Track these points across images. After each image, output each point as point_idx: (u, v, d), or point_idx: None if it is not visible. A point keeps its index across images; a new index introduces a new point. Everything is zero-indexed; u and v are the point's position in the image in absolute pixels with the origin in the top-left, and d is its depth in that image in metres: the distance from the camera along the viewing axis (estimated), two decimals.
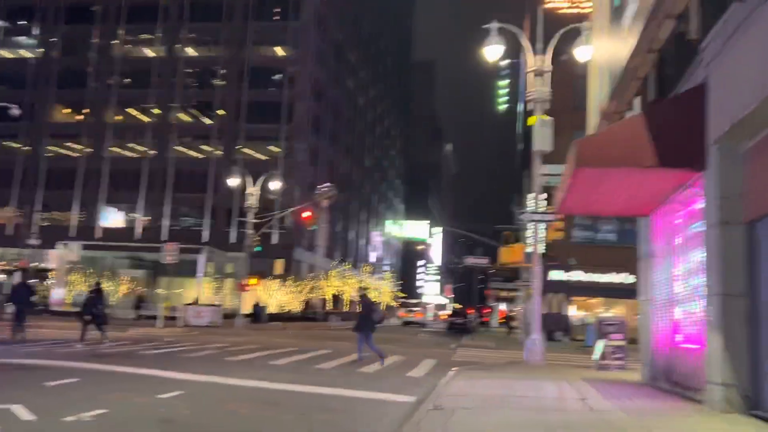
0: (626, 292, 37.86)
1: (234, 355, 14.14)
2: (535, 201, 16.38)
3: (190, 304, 35.67)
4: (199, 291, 43.91)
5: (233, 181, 35.91)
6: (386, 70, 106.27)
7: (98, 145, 65.64)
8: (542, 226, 16.72)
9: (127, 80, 67.15)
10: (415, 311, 69.08)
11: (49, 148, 66.73)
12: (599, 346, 15.26)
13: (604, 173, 8.13)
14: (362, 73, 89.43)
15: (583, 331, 34.65)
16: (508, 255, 16.11)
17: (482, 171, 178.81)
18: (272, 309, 51.53)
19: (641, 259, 11.18)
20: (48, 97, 67.17)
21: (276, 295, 52.35)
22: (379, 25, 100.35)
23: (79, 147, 66.10)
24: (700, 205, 8.52)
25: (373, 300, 16.61)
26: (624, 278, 37.58)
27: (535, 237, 16.38)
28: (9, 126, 66.29)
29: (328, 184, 62.25)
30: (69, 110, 68.79)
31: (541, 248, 16.60)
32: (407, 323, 62.60)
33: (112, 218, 64.72)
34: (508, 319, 39.14)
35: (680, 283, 9.68)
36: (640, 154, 7.64)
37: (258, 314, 41.60)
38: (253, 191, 34.87)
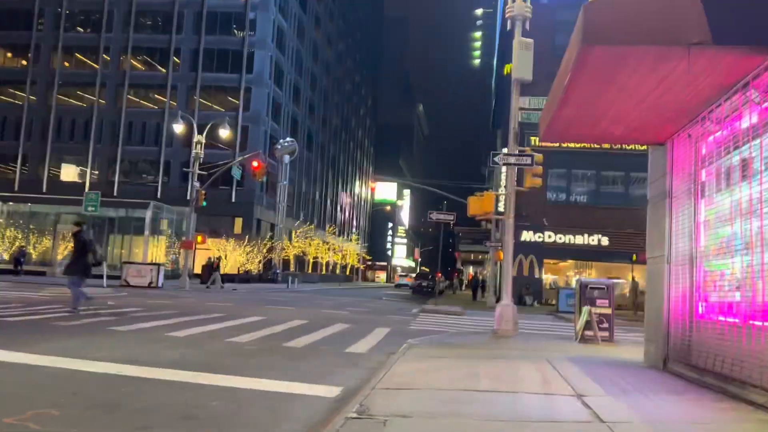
0: (599, 255, 35.93)
1: (133, 322, 11.23)
2: (512, 137, 13.62)
3: (130, 263, 32.49)
4: (145, 249, 40.68)
5: (178, 127, 32.38)
6: (356, 25, 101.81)
7: (44, 92, 61.02)
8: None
9: (77, 24, 62.28)
10: (409, 276, 73.64)
11: None
12: (583, 313, 12.73)
13: (622, 59, 5.33)
14: (330, 25, 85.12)
15: (555, 294, 32.63)
16: (477, 205, 13.37)
17: (455, 132, 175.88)
18: (228, 269, 48.53)
19: (652, 203, 8.50)
20: None
21: (232, 255, 49.33)
22: None
23: (23, 95, 61.34)
24: (750, 119, 5.84)
25: (89, 238, 13.42)
26: (597, 240, 35.56)
27: (511, 183, 13.66)
28: None
29: (289, 138, 58.98)
30: (10, 54, 63.73)
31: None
32: (399, 285, 66.07)
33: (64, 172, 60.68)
34: (475, 283, 36.68)
35: (712, 233, 7.03)
36: (685, 24, 4.84)
37: (207, 274, 38.47)
38: (199, 139, 31.52)
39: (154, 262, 34.50)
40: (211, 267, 39.80)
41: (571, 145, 35.75)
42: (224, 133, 32.82)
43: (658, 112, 6.95)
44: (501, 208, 16.77)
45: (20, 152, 60.55)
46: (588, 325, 12.68)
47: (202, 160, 32.66)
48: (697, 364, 7.04)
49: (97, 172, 60.12)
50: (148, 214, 41.27)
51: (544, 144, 13.61)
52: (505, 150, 14.22)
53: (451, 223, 22.42)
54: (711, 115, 6.89)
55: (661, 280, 7.99)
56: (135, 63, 61.28)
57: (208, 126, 33.17)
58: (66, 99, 61.41)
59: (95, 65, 61.07)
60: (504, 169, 25.76)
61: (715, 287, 7.19)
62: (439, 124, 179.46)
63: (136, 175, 60.57)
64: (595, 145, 35.76)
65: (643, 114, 6.97)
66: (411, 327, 15.01)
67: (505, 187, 13.64)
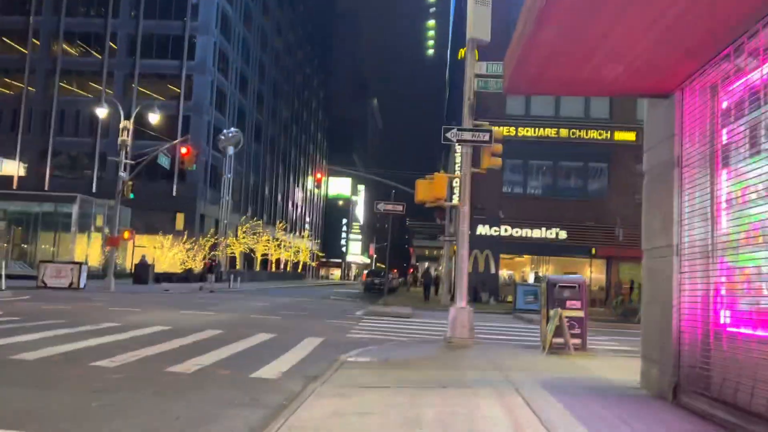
0: (556, 249, 34.34)
1: None
2: (467, 109, 11.46)
3: (47, 262, 29.32)
4: (72, 246, 37.38)
5: (102, 112, 29.29)
6: (307, 16, 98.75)
7: None
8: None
9: (3, 7, 57.75)
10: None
11: None
12: (552, 318, 10.67)
13: None
14: (279, 14, 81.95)
15: (512, 291, 30.91)
16: (426, 190, 11.16)
17: (410, 126, 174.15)
18: (166, 268, 45.38)
19: (651, 175, 6.43)
20: None
21: (169, 253, 46.14)
22: None
23: None
24: None
25: None
26: (555, 234, 34.01)
27: (467, 164, 11.50)
28: None
29: (233, 129, 55.89)
30: None
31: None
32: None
33: None
34: (427, 280, 34.57)
35: (738, 214, 5.01)
36: None
37: (140, 274, 35.49)
38: (126, 125, 28.51)
39: (74, 260, 31.30)
40: (143, 266, 36.84)
41: (528, 133, 34.15)
42: (154, 118, 29.90)
43: (673, 43, 4.84)
44: (456, 196, 14.68)
45: None
46: (558, 332, 10.64)
47: (130, 149, 29.69)
48: (722, 397, 4.98)
49: (26, 165, 55.88)
50: (75, 209, 37.96)
51: (499, 132, 11.47)
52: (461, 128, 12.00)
53: (406, 218, 20.25)
54: (744, 47, 4.81)
55: (667, 279, 5.90)
56: (68, 48, 57.19)
57: (136, 110, 30.19)
58: None
59: (24, 50, 56.72)
60: (458, 149, 23.71)
61: (745, 289, 5.15)
62: (394, 118, 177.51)
63: (69, 168, 56.58)
64: (553, 134, 34.23)
65: (653, 45, 4.85)
66: (350, 335, 12.73)
67: (459, 169, 11.47)
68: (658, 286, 6.15)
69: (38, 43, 56.76)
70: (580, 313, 11.21)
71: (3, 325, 10.73)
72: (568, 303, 11.19)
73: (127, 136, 29.00)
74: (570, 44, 4.79)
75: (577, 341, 10.98)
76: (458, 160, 27.40)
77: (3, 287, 19.49)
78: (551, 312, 10.93)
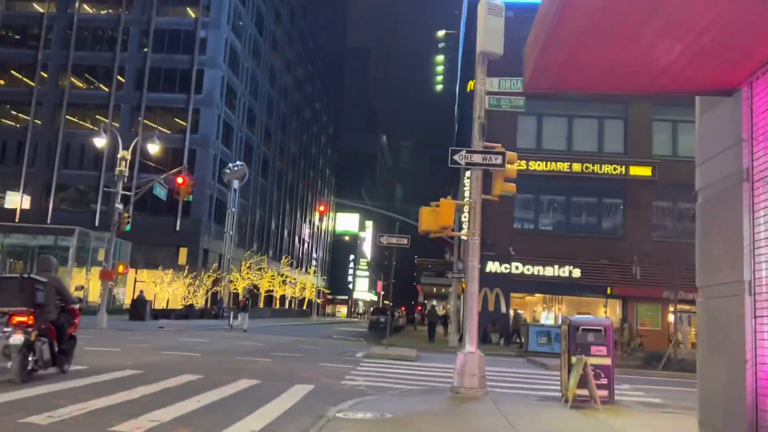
0: (570, 288, 32.75)
1: None
2: (477, 129, 10.29)
3: None
4: (68, 280, 36.18)
5: (100, 142, 28.41)
6: (317, 52, 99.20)
7: None
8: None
9: (13, 37, 57.93)
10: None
11: None
12: (576, 366, 9.29)
13: None
14: (288, 49, 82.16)
15: (523, 332, 29.36)
16: (431, 219, 9.91)
17: (419, 162, 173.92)
18: (166, 304, 44.10)
19: (709, 193, 5.15)
20: None
21: (169, 288, 44.87)
22: (312, 2, 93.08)
23: None
24: None
25: None
26: (568, 272, 32.48)
27: (477, 190, 10.27)
28: None
29: (239, 162, 55.15)
30: None
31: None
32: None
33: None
34: (432, 319, 32.78)
35: None
36: None
37: (136, 310, 34.18)
38: (124, 155, 27.60)
39: None
40: (140, 302, 35.57)
41: (539, 167, 32.93)
42: (155, 149, 28.97)
43: (747, 20, 3.62)
44: (464, 227, 13.40)
45: None
46: (582, 382, 9.24)
47: (135, 181, 28.88)
48: None
49: (29, 198, 55.23)
50: (72, 242, 36.93)
51: (513, 156, 10.29)
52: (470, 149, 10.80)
53: (415, 256, 18.95)
54: None
55: (736, 324, 4.58)
56: (75, 81, 57.08)
57: (134, 141, 29.37)
58: None
59: (31, 83, 56.62)
60: (468, 176, 22.48)
61: None
62: (403, 155, 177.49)
63: (73, 201, 55.84)
64: (565, 168, 33.02)
65: (724, 21, 3.63)
66: (345, 382, 11.33)
67: (469, 196, 10.21)
68: (722, 332, 4.82)
69: (46, 76, 56.71)
70: (607, 361, 9.82)
71: None
72: (593, 349, 9.80)
73: (125, 167, 28.09)
74: (616, 10, 3.60)
75: (604, 393, 9.57)
76: (467, 186, 26.19)
77: None
78: (574, 359, 9.55)
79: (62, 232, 38.79)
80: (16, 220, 51.90)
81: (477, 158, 10.12)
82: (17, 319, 8.77)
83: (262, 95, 70.71)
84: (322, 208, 31.77)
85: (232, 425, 6.65)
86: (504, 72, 10.90)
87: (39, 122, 55.91)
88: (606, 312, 33.36)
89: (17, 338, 8.51)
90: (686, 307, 25.19)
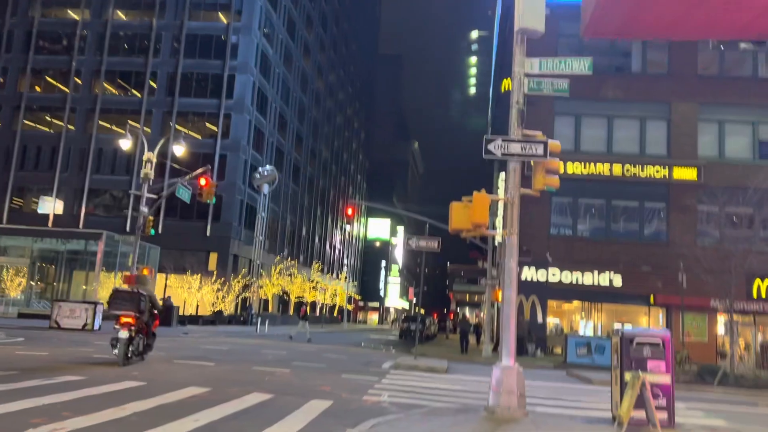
0: (610, 296, 31.14)
1: None
2: (514, 116, 9.16)
3: (62, 301, 27.72)
4: (95, 285, 35.95)
5: (125, 144, 27.98)
6: (349, 58, 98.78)
7: (10, 117, 56.87)
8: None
9: (48, 46, 58.54)
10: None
11: None
12: (630, 384, 8.05)
13: None
14: (320, 55, 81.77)
15: (561, 342, 27.92)
16: (462, 216, 8.76)
17: (452, 169, 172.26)
18: (194, 310, 43.62)
19: None
20: None
21: (198, 294, 44.38)
22: (344, 8, 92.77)
23: None
24: None
25: None
26: (608, 279, 30.89)
27: (515, 183, 9.13)
28: None
29: (269, 166, 54.64)
30: None
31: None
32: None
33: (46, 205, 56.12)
34: (464, 328, 31.05)
35: None
36: None
37: (164, 315, 33.53)
38: (149, 157, 27.07)
39: (89, 300, 29.69)
40: (169, 307, 35.09)
41: (578, 170, 31.44)
42: (179, 150, 28.41)
43: None
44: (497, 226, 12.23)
45: None
46: (639, 402, 8.00)
47: (159, 185, 28.37)
48: None
49: (62, 203, 55.56)
50: (100, 247, 36.64)
51: (556, 145, 9.10)
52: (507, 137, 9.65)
53: (447, 262, 17.82)
54: None
55: None
56: (108, 87, 57.36)
57: (160, 143, 28.87)
58: (33, 125, 57.35)
59: (66, 89, 57.08)
60: (501, 179, 21.22)
61: None
62: (435, 161, 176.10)
63: (105, 206, 56.01)
64: (605, 171, 31.48)
65: None
66: (367, 397, 10.23)
67: (505, 190, 9.09)
68: None
69: (80, 82, 57.08)
70: (666, 379, 8.56)
71: None
72: (650, 364, 8.56)
73: (150, 169, 27.55)
74: None
75: (663, 416, 8.31)
76: (501, 188, 24.86)
77: None
78: (628, 375, 8.31)
79: (91, 236, 38.60)
80: (50, 225, 52.20)
81: (515, 148, 8.99)
82: (124, 320, 12.45)
83: (294, 100, 70.32)
84: (350, 211, 30.74)
85: None
86: (537, 49, 9.78)
87: (72, 128, 56.25)
88: (648, 321, 31.73)
89: (124, 333, 12.28)
90: (741, 318, 23.54)
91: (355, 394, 10.41)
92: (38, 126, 57.58)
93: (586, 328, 32.66)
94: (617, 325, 30.22)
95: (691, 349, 27.59)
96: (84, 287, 41.76)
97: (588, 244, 31.25)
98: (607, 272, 30.64)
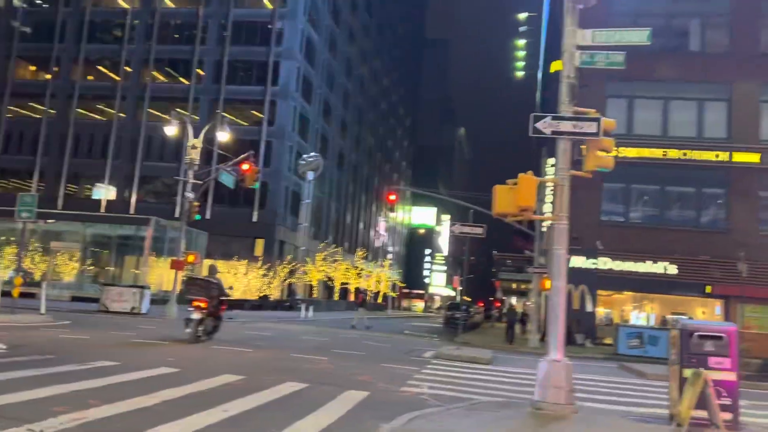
0: (664, 286, 29.95)
1: None
2: (565, 90, 8.53)
3: (110, 285, 28.21)
4: (144, 270, 36.58)
5: (170, 130, 28.15)
6: (394, 43, 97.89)
7: (64, 106, 58.31)
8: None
9: (99, 36, 59.69)
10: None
11: (11, 108, 59.47)
12: (691, 381, 7.41)
13: None
14: (365, 41, 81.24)
15: (612, 333, 26.95)
16: (507, 199, 8.18)
17: (498, 157, 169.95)
18: (241, 294, 44.00)
19: None
20: (11, 52, 59.81)
21: (244, 279, 44.78)
22: None
23: (42, 108, 58.76)
24: None
25: None
26: (663, 268, 29.64)
27: (565, 163, 8.51)
28: None
29: (313, 153, 54.61)
30: (33, 67, 61.51)
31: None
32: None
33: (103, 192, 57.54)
34: (511, 318, 30.11)
35: None
36: None
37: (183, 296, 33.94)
38: (195, 143, 27.19)
39: (137, 284, 30.10)
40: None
41: (630, 154, 30.16)
42: (223, 136, 28.51)
43: None
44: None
45: (37, 168, 57.82)
46: (701, 401, 7.34)
47: (205, 171, 28.55)
48: None
49: (114, 189, 56.83)
50: (148, 232, 37.23)
51: (610, 123, 8.42)
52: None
53: (493, 251, 17.23)
54: None
55: None
56: (157, 75, 58.22)
57: (205, 129, 28.97)
58: (85, 113, 58.70)
59: (116, 77, 58.17)
60: (550, 164, 20.36)
61: None
62: (482, 148, 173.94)
63: (155, 192, 57.02)
64: (660, 155, 30.15)
65: None
66: (406, 388, 9.81)
67: (554, 172, 8.49)
68: None
69: (130, 70, 58.05)
70: (731, 376, 7.86)
71: None
72: (712, 360, 7.86)
73: (196, 155, 27.69)
74: None
75: (727, 416, 7.63)
76: (549, 171, 23.93)
77: (42, 311, 17.96)
78: (688, 372, 7.66)
79: (140, 222, 39.27)
80: (102, 211, 53.44)
81: (566, 126, 8.36)
82: (197, 303, 14.14)
83: (339, 87, 70.11)
84: (392, 197, 30.25)
85: None
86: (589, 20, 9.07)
87: (123, 116, 57.31)
88: (704, 312, 30.42)
89: (196, 315, 13.99)
90: None
91: (393, 385, 10.00)
92: (90, 114, 58.88)
93: (637, 318, 31.56)
94: (672, 316, 29.01)
95: (754, 343, 26.26)
96: (134, 272, 42.58)
97: (641, 231, 30.03)
98: (661, 261, 29.43)
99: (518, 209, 8.28)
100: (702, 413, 7.43)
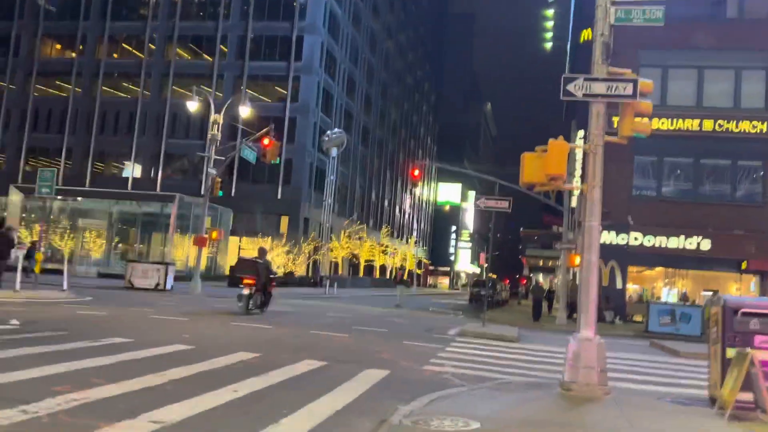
0: (697, 262, 29.06)
1: None
2: (598, 50, 7.92)
3: (135, 262, 28.28)
4: (168, 246, 36.71)
5: (193, 105, 27.94)
6: (418, 18, 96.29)
7: (89, 84, 58.53)
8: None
9: (123, 13, 59.57)
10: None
11: (38, 86, 59.83)
12: (737, 362, 6.86)
13: None
14: (389, 15, 79.97)
15: (642, 310, 26.23)
16: (536, 166, 7.61)
17: (525, 133, 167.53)
18: None
19: None
20: (36, 30, 60.03)
21: (268, 256, 44.66)
22: None
23: (68, 86, 59.05)
24: None
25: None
26: (695, 244, 28.71)
27: (598, 129, 7.91)
28: None
29: (337, 129, 54.10)
30: (59, 45, 61.72)
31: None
32: None
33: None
34: (537, 295, 29.34)
35: None
36: None
37: (235, 277, 33.96)
38: (216, 119, 26.92)
39: (161, 261, 30.15)
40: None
41: (663, 125, 29.09)
42: (245, 111, 28.13)
43: None
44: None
45: (64, 146, 58.31)
46: (746, 384, 6.79)
47: (223, 146, 28.32)
48: None
49: (140, 167, 57.13)
50: (173, 209, 37.28)
51: (647, 84, 7.77)
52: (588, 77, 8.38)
53: (520, 228, 16.60)
54: None
55: None
56: (181, 52, 58.04)
57: (227, 104, 28.68)
58: (111, 91, 58.85)
59: (141, 55, 58.14)
60: (579, 137, 19.64)
61: None
62: (509, 124, 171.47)
63: (180, 170, 57.14)
64: (694, 127, 29.05)
65: None
66: (428, 367, 9.40)
67: (584, 138, 7.91)
68: None
69: (154, 47, 57.93)
70: None
71: None
72: (758, 339, 7.28)
73: (217, 131, 27.44)
74: None
75: None
76: (580, 143, 23.10)
77: (65, 287, 17.94)
78: (731, 352, 7.10)
79: (165, 198, 39.34)
80: (129, 189, 53.75)
81: (599, 87, 7.75)
82: (246, 281, 16.04)
83: (362, 62, 69.24)
84: (416, 172, 29.68)
85: (263, 429, 4.92)
86: None
87: (148, 93, 57.35)
88: (739, 289, 29.52)
89: (246, 291, 15.87)
90: None
91: (415, 363, 9.60)
92: (116, 92, 59.03)
93: (669, 295, 30.77)
94: (707, 293, 28.16)
95: None
96: (162, 249, 42.80)
97: (673, 206, 29.10)
98: (695, 236, 28.53)
99: (547, 178, 7.73)
100: (747, 396, 6.88)
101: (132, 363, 7.42)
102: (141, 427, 4.73)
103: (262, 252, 17.76)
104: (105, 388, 5.91)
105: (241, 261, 18.38)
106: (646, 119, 7.91)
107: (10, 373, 6.15)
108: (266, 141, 23.75)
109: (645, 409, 7.03)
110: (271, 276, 17.20)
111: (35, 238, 35.69)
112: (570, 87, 7.87)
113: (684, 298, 29.38)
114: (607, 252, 28.28)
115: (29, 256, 27.61)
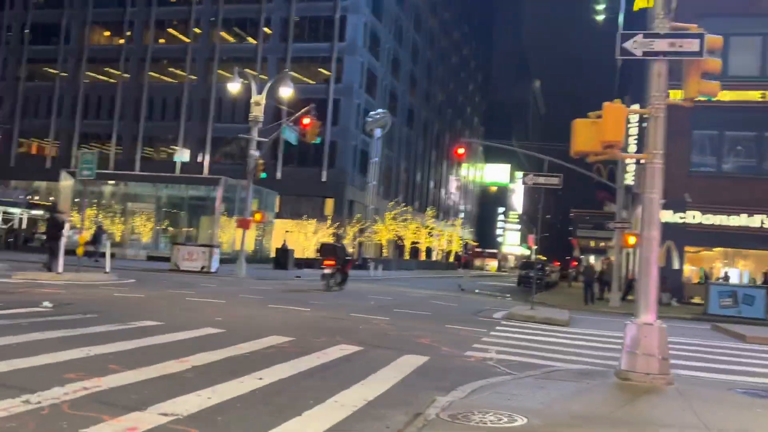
0: (760, 241, 27.49)
1: None
2: (663, 8, 7.08)
3: (181, 245, 28.40)
4: (214, 229, 36.88)
5: (234, 87, 27.73)
6: None
7: (137, 70, 59.33)
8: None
9: None
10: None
11: (88, 73, 61.00)
12: None
13: None
14: None
15: (702, 291, 24.94)
16: (590, 133, 6.82)
17: (576, 111, 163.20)
18: (310, 253, 43.95)
19: None
20: (85, 19, 61.07)
21: (313, 238, 44.65)
22: None
23: (117, 73, 60.02)
24: None
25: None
26: (759, 222, 27.13)
27: (660, 90, 7.09)
28: (46, 50, 61.25)
29: (380, 110, 53.38)
30: (107, 33, 62.66)
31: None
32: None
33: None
34: (588, 276, 27.62)
35: None
36: None
37: (279, 259, 34.01)
38: (258, 100, 26.63)
39: (207, 244, 30.23)
40: (285, 251, 35.49)
41: (724, 97, 27.40)
42: (287, 92, 27.75)
43: None
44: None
45: (114, 132, 59.40)
46: None
47: (263, 126, 28.04)
48: None
49: (188, 151, 57.75)
50: (219, 192, 37.42)
51: (715, 40, 6.86)
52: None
53: (570, 209, 15.74)
54: None
55: None
56: (225, 36, 58.15)
57: (268, 85, 28.34)
58: (157, 76, 59.50)
59: (186, 39, 58.51)
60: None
61: None
62: (559, 101, 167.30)
63: (227, 153, 57.50)
64: (757, 98, 27.31)
65: None
66: (470, 353, 8.79)
67: (647, 100, 7.12)
68: None
69: (199, 32, 58.20)
70: None
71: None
72: None
73: (260, 112, 27.18)
74: None
75: None
76: (633, 117, 21.74)
77: (107, 269, 17.96)
78: None
79: (211, 182, 39.53)
80: (177, 173, 54.40)
81: (661, 44, 6.92)
82: (327, 263, 18.98)
83: (407, 41, 68.12)
84: (461, 150, 28.55)
85: (276, 426, 4.43)
86: None
87: (194, 78, 57.72)
88: None
89: (327, 271, 18.88)
90: None
91: (457, 349, 9.00)
92: (162, 77, 59.63)
93: (735, 276, 29.32)
94: None
95: None
96: (210, 232, 43.15)
97: (735, 183, 27.52)
98: (758, 214, 26.99)
99: (602, 145, 6.98)
100: None
101: (155, 348, 7.06)
102: (147, 420, 4.29)
103: (339, 237, 21.58)
104: (120, 375, 5.53)
105: (323, 246, 20.68)
106: (714, 81, 7.03)
107: (23, 359, 5.84)
108: (306, 120, 23.32)
109: (715, 401, 6.28)
110: (347, 258, 20.09)
111: (101, 222, 36.13)
112: (627, 44, 7.06)
113: (726, 278, 28.07)
114: (664, 231, 26.91)
115: (95, 241, 27.72)
